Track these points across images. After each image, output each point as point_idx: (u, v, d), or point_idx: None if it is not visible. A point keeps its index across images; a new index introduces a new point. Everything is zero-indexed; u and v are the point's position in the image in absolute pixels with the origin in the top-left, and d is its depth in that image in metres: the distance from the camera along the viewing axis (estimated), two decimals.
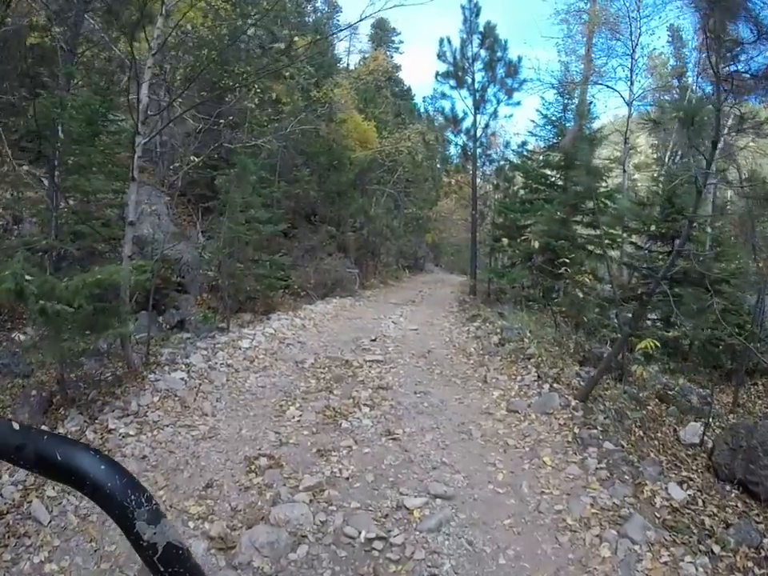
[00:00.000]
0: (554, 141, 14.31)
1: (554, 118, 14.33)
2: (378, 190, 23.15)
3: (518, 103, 16.93)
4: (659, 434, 4.99)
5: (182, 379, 5.74)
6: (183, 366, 6.31)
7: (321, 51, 20.70)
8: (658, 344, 5.66)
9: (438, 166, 23.96)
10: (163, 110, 6.36)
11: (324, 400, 5.33)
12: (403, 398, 5.31)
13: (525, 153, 14.77)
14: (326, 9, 32.99)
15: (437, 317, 11.92)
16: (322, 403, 5.21)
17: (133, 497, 0.60)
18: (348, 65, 32.13)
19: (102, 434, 4.61)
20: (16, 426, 0.61)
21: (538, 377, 5.70)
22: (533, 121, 14.75)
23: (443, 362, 6.99)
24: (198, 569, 0.66)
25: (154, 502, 0.63)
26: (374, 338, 8.75)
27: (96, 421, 4.78)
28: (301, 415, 4.91)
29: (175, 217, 14.07)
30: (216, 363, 6.47)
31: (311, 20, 23.86)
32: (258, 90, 14.75)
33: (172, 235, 10.31)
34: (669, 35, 18.97)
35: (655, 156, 25.22)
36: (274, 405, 5.27)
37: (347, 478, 3.63)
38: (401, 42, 34.64)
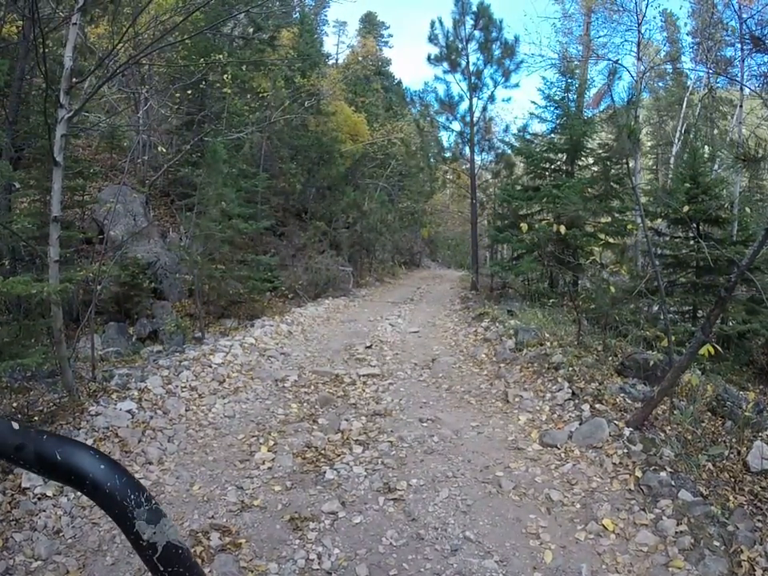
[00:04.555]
0: (558, 122, 13.17)
1: (557, 98, 13.17)
2: (371, 183, 22.02)
3: (517, 85, 15.94)
4: (726, 463, 3.88)
5: (130, 411, 4.58)
6: (136, 393, 5.16)
7: (307, 42, 19.61)
8: (719, 348, 4.55)
9: (433, 159, 22.68)
10: (89, 75, 5.17)
11: (305, 434, 4.19)
12: (406, 428, 4.16)
13: (527, 136, 13.61)
14: (313, 3, 32.02)
15: (438, 316, 10.80)
16: (303, 439, 4.07)
17: (132, 496, 0.59)
18: (337, 60, 31.20)
19: (12, 495, 3.47)
20: (15, 425, 0.61)
21: (573, 393, 4.56)
22: (534, 102, 13.63)
23: (451, 374, 5.85)
24: (197, 569, 0.64)
25: (153, 502, 0.61)
26: (369, 344, 7.63)
27: (8, 477, 3.63)
28: (273, 459, 3.76)
29: (157, 217, 12.96)
30: (177, 387, 5.32)
31: (297, 14, 22.59)
32: (238, 80, 13.55)
33: (133, 236, 9.12)
34: (662, 20, 17.75)
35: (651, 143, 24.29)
36: (242, 443, 4.12)
37: (329, 573, 2.48)
38: (390, 35, 33.67)
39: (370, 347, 7.49)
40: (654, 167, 23.83)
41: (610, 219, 12.12)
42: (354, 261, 20.09)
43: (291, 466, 3.65)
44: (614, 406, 4.31)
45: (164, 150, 12.87)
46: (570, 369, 5.00)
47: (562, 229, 5.14)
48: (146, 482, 3.72)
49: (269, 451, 3.90)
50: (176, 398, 5.05)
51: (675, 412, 4.13)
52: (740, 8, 8.84)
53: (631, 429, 3.91)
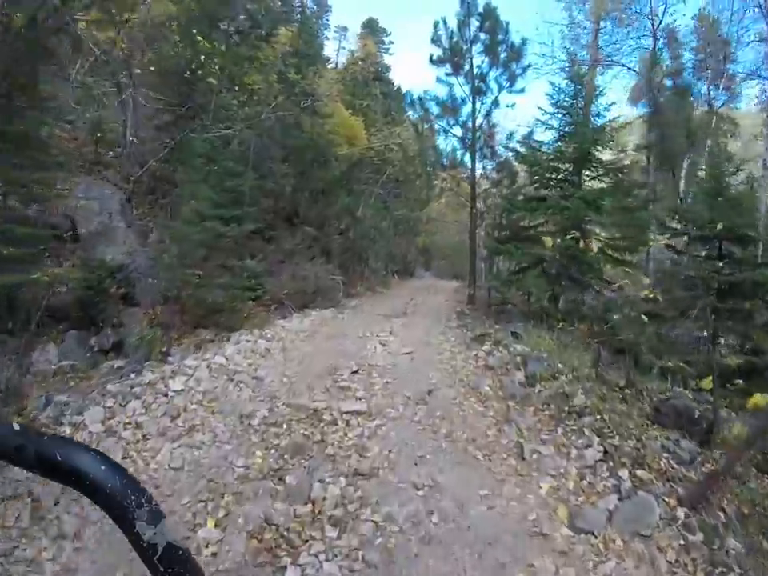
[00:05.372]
0: (566, 130, 12.37)
1: (566, 104, 12.38)
2: (366, 189, 21.19)
3: (522, 90, 14.94)
4: None
5: None
6: (68, 430, 4.23)
7: (306, 41, 18.81)
8: None
9: (430, 167, 21.91)
10: None
11: (267, 500, 3.25)
12: (396, 499, 3.22)
13: (533, 143, 12.80)
14: (316, 8, 31.36)
15: (433, 333, 9.89)
16: (262, 509, 3.13)
17: (133, 497, 0.60)
18: (337, 64, 30.54)
19: None
20: (16, 426, 0.62)
21: (605, 452, 3.67)
22: (541, 108, 12.75)
23: (451, 413, 4.93)
24: (198, 569, 0.64)
25: (154, 503, 0.62)
26: (356, 368, 6.71)
27: None
28: (221, 540, 2.83)
29: (141, 216, 12.02)
30: (120, 423, 4.38)
31: (299, 15, 21.82)
32: (227, 71, 12.68)
33: (96, 236, 8.20)
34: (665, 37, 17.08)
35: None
36: (185, 511, 3.18)
37: None
38: (391, 42, 33.10)
39: (356, 372, 6.57)
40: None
41: (618, 234, 11.34)
42: (345, 269, 19.19)
43: (242, 553, 2.72)
44: (658, 472, 3.42)
45: (150, 145, 11.99)
46: (598, 417, 4.11)
47: (591, 245, 4.28)
48: (52, 565, 2.80)
49: (216, 526, 2.97)
50: (115, 439, 4.12)
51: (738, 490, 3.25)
52: None
53: (686, 509, 3.02)
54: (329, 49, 32.08)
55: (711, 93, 16.61)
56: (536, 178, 12.24)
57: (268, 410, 5.03)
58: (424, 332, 10.05)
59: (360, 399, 5.32)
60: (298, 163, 17.66)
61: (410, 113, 18.96)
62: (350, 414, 4.80)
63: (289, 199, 18.31)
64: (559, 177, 12.26)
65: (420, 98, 15.69)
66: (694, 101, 17.81)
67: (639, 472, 3.45)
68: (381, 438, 4.23)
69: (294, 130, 17.09)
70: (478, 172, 14.81)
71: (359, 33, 32.94)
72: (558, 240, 8.59)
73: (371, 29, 32.54)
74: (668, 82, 18.30)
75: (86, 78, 11.42)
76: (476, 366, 6.88)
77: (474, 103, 14.45)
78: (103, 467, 0.60)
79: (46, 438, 0.61)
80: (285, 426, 4.62)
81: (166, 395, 5.19)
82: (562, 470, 3.57)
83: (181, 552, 0.60)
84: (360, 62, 29.75)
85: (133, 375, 6.08)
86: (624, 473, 3.44)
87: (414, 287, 22.89)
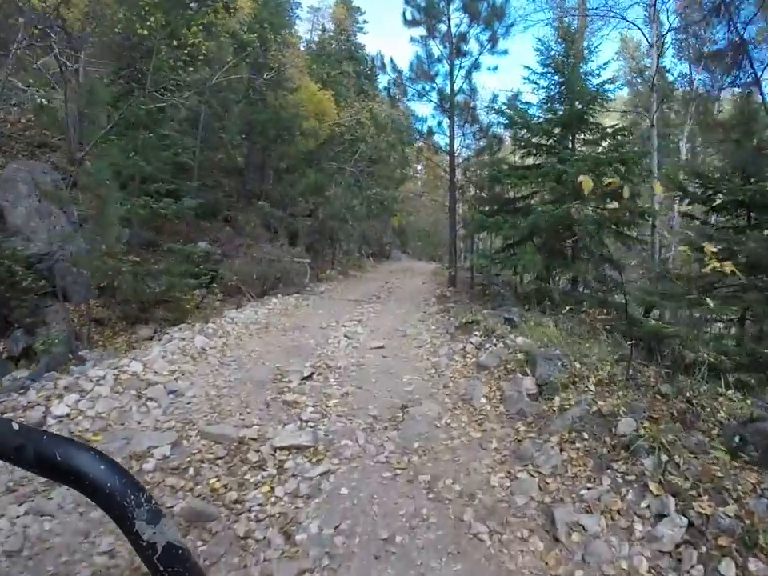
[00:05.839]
0: (558, 91, 10.83)
1: (558, 60, 10.83)
2: (338, 168, 19.59)
3: (505, 52, 13.32)
4: None
5: None
6: None
7: (271, 11, 16.84)
8: None
9: (404, 137, 20.26)
10: None
11: None
12: None
13: (520, 104, 11.26)
14: None
15: (411, 321, 8.42)
16: None
17: (132, 496, 0.60)
18: (308, 44, 29.47)
19: None
20: (16, 426, 0.61)
21: (690, 524, 2.21)
22: (528, 67, 11.15)
23: (434, 445, 3.41)
24: (197, 568, 0.64)
25: (153, 502, 0.61)
26: (309, 371, 5.18)
27: None
28: None
29: (88, 200, 10.29)
30: None
31: None
32: (168, 28, 10.79)
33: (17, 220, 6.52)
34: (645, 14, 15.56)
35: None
36: None
37: None
38: (365, 21, 31.22)
39: (309, 377, 5.04)
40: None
41: (618, 205, 9.87)
42: (315, 251, 17.57)
43: None
44: None
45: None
46: (663, 456, 2.64)
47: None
48: None
49: None
50: None
51: None
52: None
53: None
54: (301, 29, 30.22)
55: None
56: (523, 144, 10.72)
57: (173, 444, 3.47)
58: (400, 319, 8.57)
59: (306, 423, 3.78)
60: (260, 139, 15.92)
61: (380, 77, 17.08)
62: (286, 452, 3.26)
63: (252, 177, 16.57)
64: (549, 142, 10.79)
65: (392, 63, 13.95)
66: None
67: (754, 565, 2.01)
68: (324, 503, 2.66)
69: (257, 104, 15.35)
70: (457, 140, 13.20)
71: (332, 9, 30.92)
72: (559, 210, 7.11)
73: (345, 6, 30.42)
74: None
75: (25, 54, 9.67)
76: (464, 364, 5.39)
77: (451, 64, 12.82)
78: (102, 466, 0.59)
79: (45, 437, 0.61)
80: (189, 474, 3.07)
81: (41, 426, 3.60)
82: (623, 565, 2.09)
83: (181, 551, 0.59)
84: (329, 35, 27.95)
85: (16, 394, 4.45)
86: (729, 568, 1.99)
87: (389, 270, 21.39)
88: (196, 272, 9.33)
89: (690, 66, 16.35)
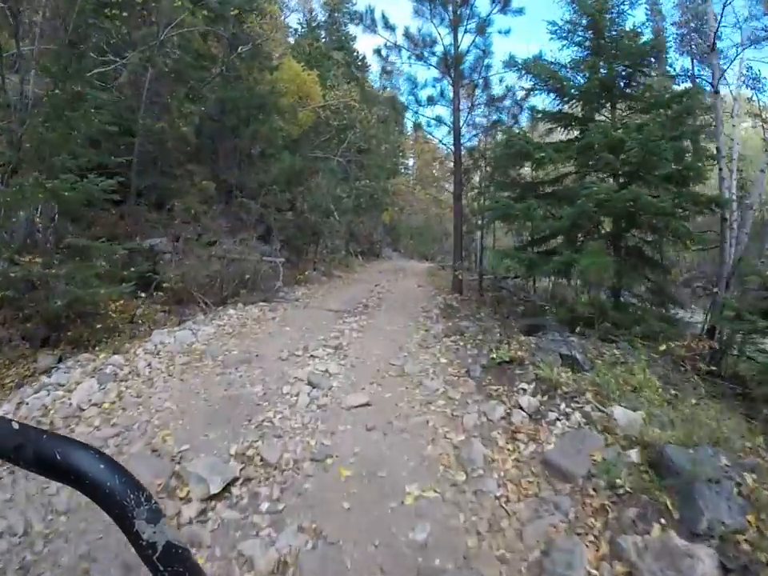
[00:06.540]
0: (592, 49, 8.30)
1: (593, 11, 8.27)
2: (324, 158, 17.22)
3: (521, 11, 10.76)
4: None
5: None
6: None
7: None
8: None
9: (399, 110, 17.76)
10: None
11: None
12: None
13: (546, 61, 8.78)
14: None
15: (408, 345, 5.98)
16: None
17: (132, 496, 0.59)
18: (297, 32, 27.39)
19: None
20: (15, 425, 0.61)
21: None
22: (552, 23, 8.57)
23: None
24: (197, 568, 0.62)
25: (153, 501, 0.60)
26: (226, 478, 2.68)
27: None
28: None
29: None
30: None
31: None
32: None
33: None
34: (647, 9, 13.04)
35: None
36: None
37: None
38: (356, 11, 28.32)
39: (219, 495, 2.55)
40: None
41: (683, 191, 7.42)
42: (295, 249, 15.09)
43: None
44: None
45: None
46: None
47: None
48: None
49: None
50: None
51: None
52: None
53: None
54: (292, 19, 27.75)
55: None
56: (555, 114, 8.22)
57: None
58: (393, 344, 6.09)
59: None
60: (231, 118, 13.43)
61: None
62: None
63: (223, 164, 14.08)
64: (583, 113, 8.35)
65: (384, 15, 11.44)
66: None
67: None
68: None
69: (232, 82, 12.92)
70: (463, 115, 10.67)
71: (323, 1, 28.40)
72: (625, 192, 4.64)
73: None
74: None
75: None
76: (518, 459, 2.91)
77: (455, 30, 10.28)
78: (102, 465, 0.58)
79: (45, 436, 0.59)
80: None
81: None
82: None
83: (181, 551, 0.58)
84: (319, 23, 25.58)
85: None
86: None
87: (380, 270, 18.97)
88: (123, 276, 6.81)
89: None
